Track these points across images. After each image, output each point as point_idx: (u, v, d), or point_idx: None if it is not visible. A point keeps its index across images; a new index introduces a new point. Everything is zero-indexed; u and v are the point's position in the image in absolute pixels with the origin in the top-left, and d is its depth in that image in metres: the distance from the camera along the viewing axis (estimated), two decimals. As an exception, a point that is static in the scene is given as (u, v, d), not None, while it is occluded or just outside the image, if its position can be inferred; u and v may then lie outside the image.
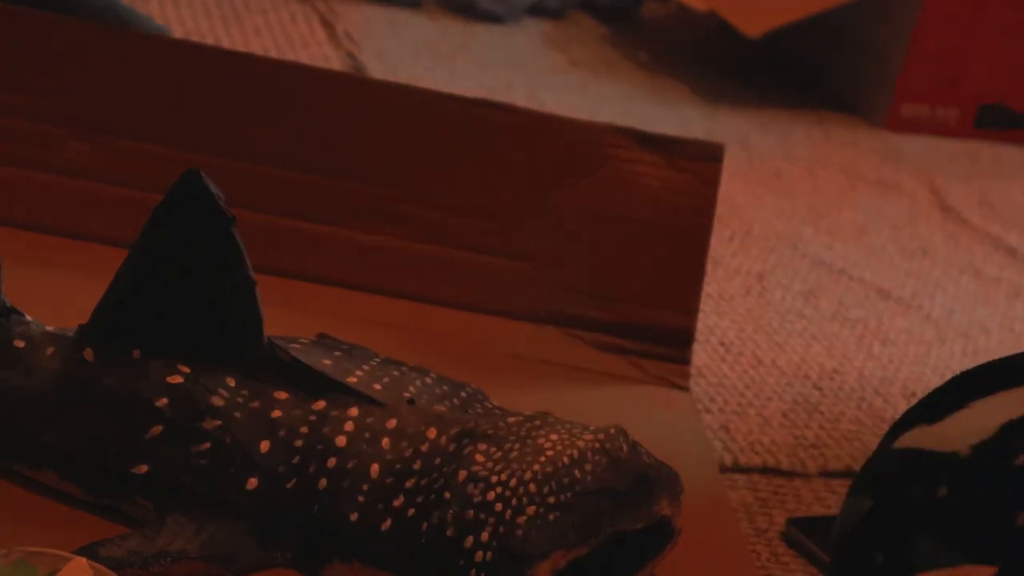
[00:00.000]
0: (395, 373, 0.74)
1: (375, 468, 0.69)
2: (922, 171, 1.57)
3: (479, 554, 0.66)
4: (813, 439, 1.00)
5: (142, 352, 0.71)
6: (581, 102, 1.55)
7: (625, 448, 0.69)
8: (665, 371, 0.95)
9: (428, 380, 0.74)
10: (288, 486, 0.69)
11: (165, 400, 0.70)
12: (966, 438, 0.63)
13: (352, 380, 0.72)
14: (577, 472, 0.67)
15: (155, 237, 0.70)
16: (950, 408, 0.65)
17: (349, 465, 0.69)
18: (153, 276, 0.70)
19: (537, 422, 0.70)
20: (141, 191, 0.93)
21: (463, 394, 0.75)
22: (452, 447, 0.69)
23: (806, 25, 1.63)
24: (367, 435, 0.70)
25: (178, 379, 0.70)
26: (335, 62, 1.51)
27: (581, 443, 0.68)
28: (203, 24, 1.55)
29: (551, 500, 0.66)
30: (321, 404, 0.71)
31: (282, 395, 0.71)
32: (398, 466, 0.69)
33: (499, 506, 0.66)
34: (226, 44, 1.48)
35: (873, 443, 0.69)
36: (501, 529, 0.66)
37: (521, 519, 0.66)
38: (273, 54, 1.48)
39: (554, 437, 0.69)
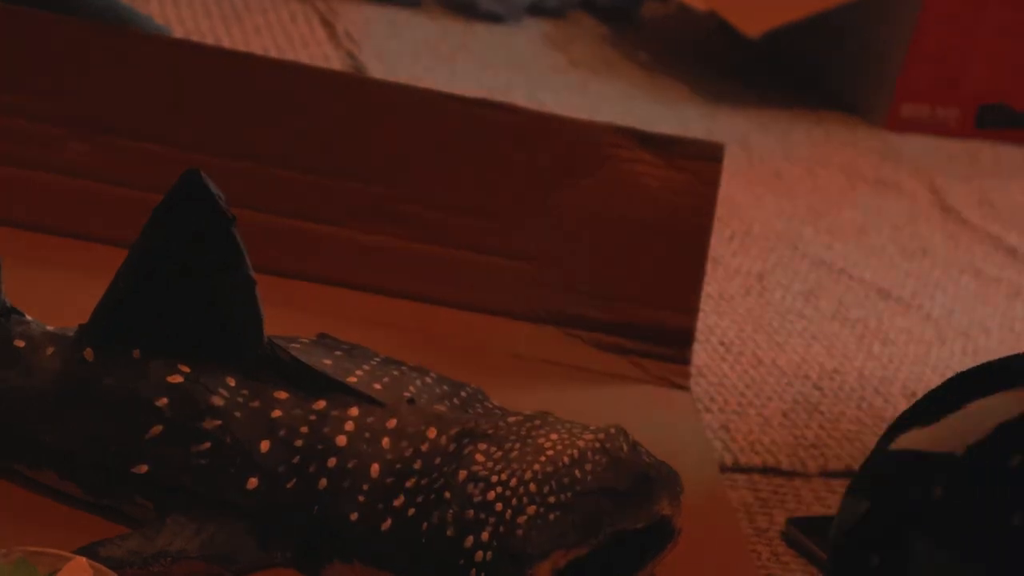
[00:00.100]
0: (395, 373, 0.74)
1: (375, 468, 0.69)
2: (922, 171, 1.57)
3: (479, 554, 0.66)
4: (813, 439, 1.01)
5: (142, 352, 0.71)
6: (581, 102, 1.55)
7: (625, 448, 0.69)
8: (665, 371, 0.95)
9: (428, 380, 0.74)
10: (288, 486, 0.69)
11: (165, 400, 0.70)
12: (962, 439, 0.63)
13: (352, 380, 0.72)
14: (577, 472, 0.67)
15: (155, 237, 0.70)
16: (946, 409, 0.65)
17: (349, 465, 0.69)
18: (153, 276, 0.70)
19: (537, 422, 0.70)
20: (141, 191, 0.93)
21: (463, 394, 0.75)
22: (452, 447, 0.69)
23: (806, 25, 1.63)
24: (367, 435, 0.70)
25: (178, 379, 0.70)
26: (335, 62, 1.51)
27: (581, 443, 0.68)
28: (203, 24, 1.55)
29: (551, 500, 0.66)
30: (321, 404, 0.71)
31: (282, 395, 0.71)
32: (398, 466, 0.69)
33: (499, 506, 0.66)
34: (226, 44, 1.48)
35: (873, 443, 0.69)
36: (501, 529, 0.66)
37: (521, 519, 0.66)
38: (273, 54, 1.48)
39: (554, 437, 0.69)
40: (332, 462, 0.69)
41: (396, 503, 0.68)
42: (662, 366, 0.95)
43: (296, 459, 0.69)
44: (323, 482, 0.69)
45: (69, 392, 0.71)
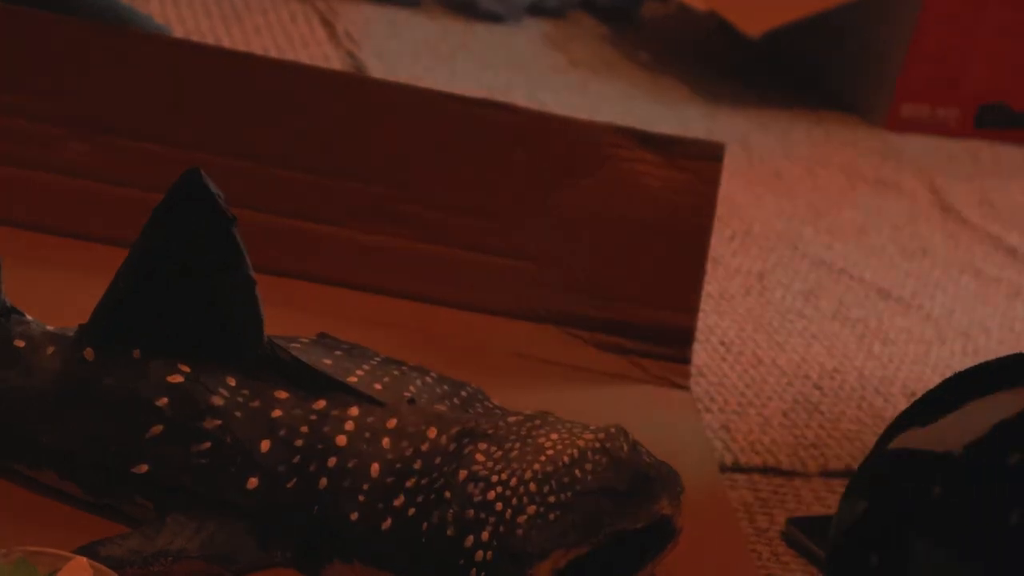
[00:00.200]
0: (395, 373, 0.74)
1: (375, 467, 0.69)
2: (922, 171, 1.57)
3: (479, 553, 0.66)
4: (813, 439, 1.01)
5: (142, 352, 0.71)
6: (581, 102, 1.55)
7: (625, 447, 0.69)
8: (665, 370, 0.95)
9: (428, 380, 0.74)
10: (288, 485, 0.69)
11: (165, 400, 0.70)
12: (960, 438, 0.63)
13: (352, 380, 0.72)
14: (577, 471, 0.67)
15: (155, 237, 0.70)
16: (944, 410, 0.65)
17: (349, 464, 0.69)
18: (153, 276, 0.70)
19: (537, 421, 0.70)
20: (141, 191, 0.93)
21: (463, 393, 0.75)
22: (452, 446, 0.69)
23: (806, 25, 1.63)
24: (367, 434, 0.70)
25: (178, 379, 0.70)
26: (335, 62, 1.51)
27: (581, 442, 0.68)
28: (203, 24, 1.55)
29: (551, 499, 0.66)
30: (321, 403, 0.71)
31: (282, 394, 0.71)
32: (398, 465, 0.69)
33: (499, 505, 0.66)
34: (226, 44, 1.48)
35: (873, 443, 0.69)
36: (501, 528, 0.66)
37: (521, 518, 0.66)
38: (273, 54, 1.48)
39: (554, 436, 0.69)
40: (332, 462, 0.69)
41: (396, 503, 0.68)
42: (662, 366, 0.95)
43: (296, 459, 0.69)
44: (323, 482, 0.69)
45: (69, 392, 0.71)
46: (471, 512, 0.67)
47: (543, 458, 0.67)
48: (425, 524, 0.67)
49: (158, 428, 0.70)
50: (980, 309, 1.27)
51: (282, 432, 0.70)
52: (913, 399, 0.69)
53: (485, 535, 0.66)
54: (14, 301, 0.74)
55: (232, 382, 0.70)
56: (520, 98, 1.49)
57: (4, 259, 0.74)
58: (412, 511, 0.68)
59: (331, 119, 0.97)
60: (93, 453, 0.70)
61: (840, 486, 0.95)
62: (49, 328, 0.73)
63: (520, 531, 0.66)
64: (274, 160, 0.96)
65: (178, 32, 1.48)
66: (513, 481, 0.67)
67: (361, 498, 0.68)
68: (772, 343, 1.13)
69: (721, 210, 1.04)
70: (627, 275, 0.97)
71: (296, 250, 0.96)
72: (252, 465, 0.69)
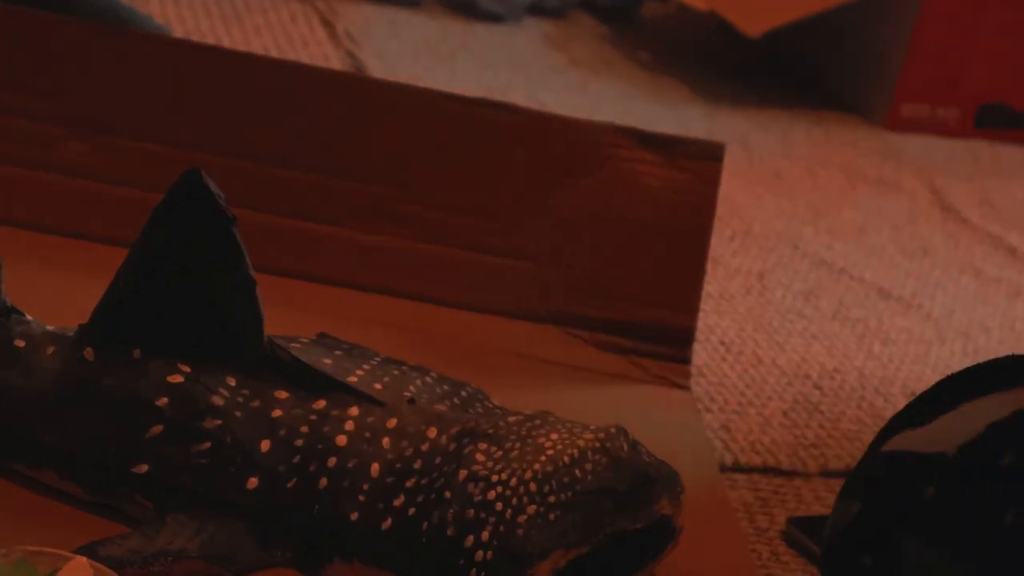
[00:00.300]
0: (395, 372, 0.74)
1: (375, 467, 0.69)
2: (922, 171, 1.57)
3: (479, 553, 0.66)
4: (813, 438, 1.01)
5: (142, 352, 0.71)
6: (581, 102, 1.55)
7: (625, 447, 0.69)
8: (665, 370, 0.95)
9: (428, 379, 0.74)
10: (288, 485, 0.69)
11: (165, 399, 0.70)
12: (953, 439, 0.63)
13: (352, 379, 0.72)
14: (577, 471, 0.67)
15: (155, 237, 0.70)
16: (938, 411, 0.65)
17: (350, 464, 0.69)
18: (153, 276, 0.70)
19: (537, 421, 0.70)
20: (141, 191, 0.93)
21: (463, 393, 0.75)
22: (452, 446, 0.69)
23: (806, 25, 1.63)
24: (367, 434, 0.70)
25: (178, 379, 0.70)
26: (335, 62, 1.51)
27: (581, 442, 0.68)
28: (203, 24, 1.55)
29: (551, 499, 0.66)
30: (321, 403, 0.71)
31: (282, 394, 0.71)
32: (398, 465, 0.69)
33: (499, 505, 0.66)
34: (226, 44, 1.48)
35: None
36: (501, 528, 0.66)
37: (521, 518, 0.66)
38: (273, 54, 1.48)
39: (554, 436, 0.69)
40: (332, 462, 0.69)
41: (396, 503, 0.68)
42: (662, 366, 0.95)
43: (296, 459, 0.69)
44: (323, 482, 0.69)
45: (69, 392, 0.71)
46: (471, 512, 0.67)
47: (543, 458, 0.67)
48: (425, 524, 0.67)
49: (158, 428, 0.70)
50: (980, 309, 1.27)
51: (282, 432, 0.70)
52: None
53: (485, 535, 0.66)
54: (14, 301, 0.74)
55: (232, 382, 0.70)
56: (520, 98, 1.49)
57: (4, 259, 0.74)
58: (412, 511, 0.68)
59: (331, 119, 0.97)
60: (93, 453, 0.70)
61: (840, 486, 0.95)
62: (49, 328, 0.73)
63: (520, 531, 0.66)
64: (274, 160, 0.96)
65: (178, 32, 1.48)
66: (513, 481, 0.67)
67: (361, 498, 0.68)
68: (772, 343, 1.13)
69: (721, 210, 1.04)
70: (627, 275, 0.97)
71: (296, 250, 0.96)
72: (252, 465, 0.69)
